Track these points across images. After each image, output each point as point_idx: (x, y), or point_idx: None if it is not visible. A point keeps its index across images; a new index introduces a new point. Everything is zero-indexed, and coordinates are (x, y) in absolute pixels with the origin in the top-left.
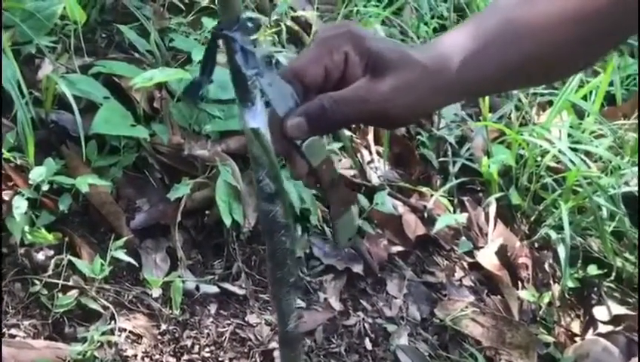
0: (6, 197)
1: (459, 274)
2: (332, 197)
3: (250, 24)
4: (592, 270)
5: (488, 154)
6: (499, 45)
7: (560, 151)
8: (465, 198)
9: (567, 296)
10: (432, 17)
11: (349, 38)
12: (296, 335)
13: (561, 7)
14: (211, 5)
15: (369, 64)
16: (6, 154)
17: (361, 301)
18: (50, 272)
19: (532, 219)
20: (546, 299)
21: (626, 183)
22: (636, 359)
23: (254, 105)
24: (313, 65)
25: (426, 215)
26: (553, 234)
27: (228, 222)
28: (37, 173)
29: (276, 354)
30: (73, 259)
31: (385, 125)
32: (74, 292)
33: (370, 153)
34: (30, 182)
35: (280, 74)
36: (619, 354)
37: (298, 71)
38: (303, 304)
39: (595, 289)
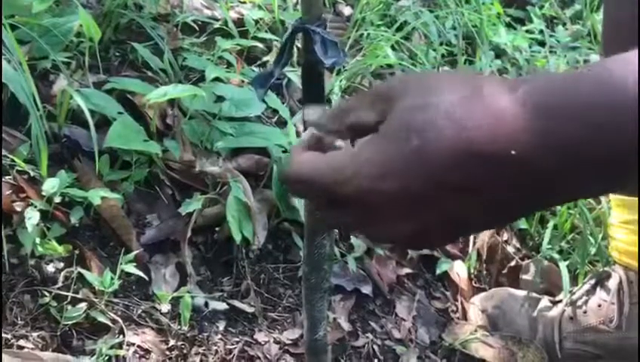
0: (18, 209)
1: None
2: None
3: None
4: None
5: None
6: None
7: None
8: None
9: None
10: (441, 44)
11: None
12: (324, 344)
13: None
14: (224, 27)
15: None
16: (20, 165)
17: (370, 322)
18: (59, 284)
19: (537, 241)
20: None
21: None
22: None
23: (320, 105)
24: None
25: None
26: (556, 256)
27: (238, 238)
28: (49, 185)
29: None
30: (83, 271)
31: None
32: (83, 305)
33: None
34: (43, 193)
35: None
36: None
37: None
38: None
39: None
